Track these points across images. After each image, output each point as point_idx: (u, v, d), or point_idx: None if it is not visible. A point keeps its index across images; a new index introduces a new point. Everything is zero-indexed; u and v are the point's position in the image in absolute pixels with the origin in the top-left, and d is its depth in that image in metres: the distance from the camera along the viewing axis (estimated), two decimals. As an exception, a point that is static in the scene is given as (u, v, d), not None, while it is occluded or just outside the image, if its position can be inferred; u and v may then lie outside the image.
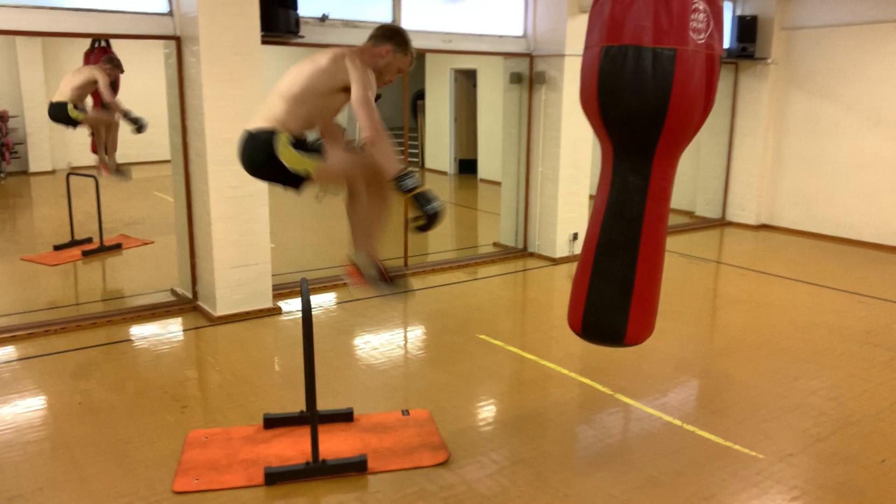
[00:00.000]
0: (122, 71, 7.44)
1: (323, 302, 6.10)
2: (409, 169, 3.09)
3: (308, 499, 3.24)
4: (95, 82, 7.34)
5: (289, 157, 3.17)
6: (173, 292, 6.08)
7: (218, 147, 5.30)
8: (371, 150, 3.11)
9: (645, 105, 2.76)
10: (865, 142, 8.33)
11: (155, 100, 7.43)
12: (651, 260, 3.00)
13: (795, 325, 5.61)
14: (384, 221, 3.56)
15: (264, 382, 4.45)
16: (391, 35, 3.26)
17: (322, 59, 3.24)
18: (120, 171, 7.96)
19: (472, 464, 3.51)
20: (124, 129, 7.73)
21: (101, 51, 7.72)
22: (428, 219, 3.02)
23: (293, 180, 3.29)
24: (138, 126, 7.55)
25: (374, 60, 3.24)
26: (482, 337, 5.26)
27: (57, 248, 7.50)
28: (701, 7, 2.73)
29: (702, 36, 2.74)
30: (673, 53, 2.69)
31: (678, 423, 3.97)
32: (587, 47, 2.93)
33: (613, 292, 3.02)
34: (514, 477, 3.40)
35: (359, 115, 3.10)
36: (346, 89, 3.17)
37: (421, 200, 3.01)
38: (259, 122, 3.23)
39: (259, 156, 3.22)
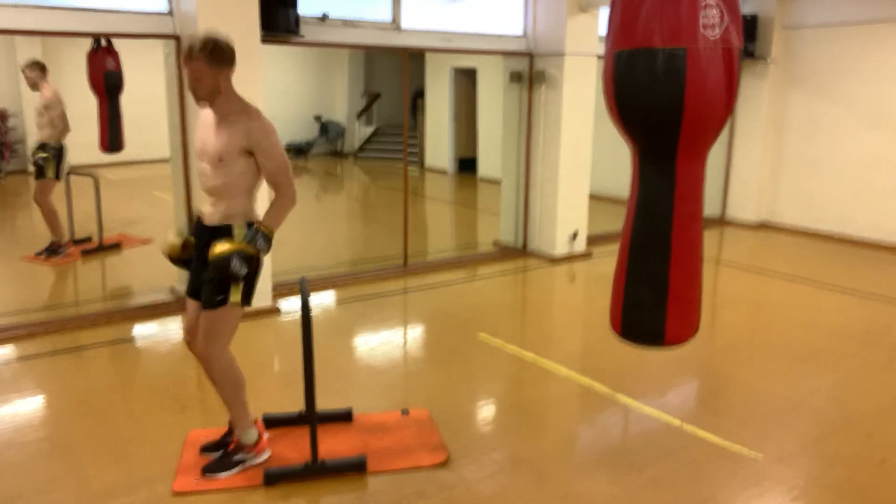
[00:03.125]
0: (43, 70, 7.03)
1: (322, 301, 6.09)
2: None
3: (307, 499, 3.24)
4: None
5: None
6: (173, 291, 6.08)
7: (217, 147, 5.29)
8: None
9: (660, 107, 2.76)
10: (865, 142, 8.33)
11: (155, 99, 7.41)
12: (685, 259, 2.99)
13: (795, 325, 5.61)
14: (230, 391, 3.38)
15: (263, 382, 4.44)
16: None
17: None
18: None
19: (472, 464, 3.51)
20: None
21: (104, 51, 7.72)
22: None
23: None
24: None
25: None
26: (482, 336, 5.26)
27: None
28: (712, 2, 2.71)
29: (716, 31, 2.72)
30: (683, 52, 2.68)
31: (678, 423, 3.97)
32: (605, 53, 2.95)
33: (649, 294, 3.02)
34: (514, 477, 3.40)
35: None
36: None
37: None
38: None
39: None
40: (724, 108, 2.82)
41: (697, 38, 2.69)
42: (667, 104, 2.75)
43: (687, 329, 3.10)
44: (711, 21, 2.72)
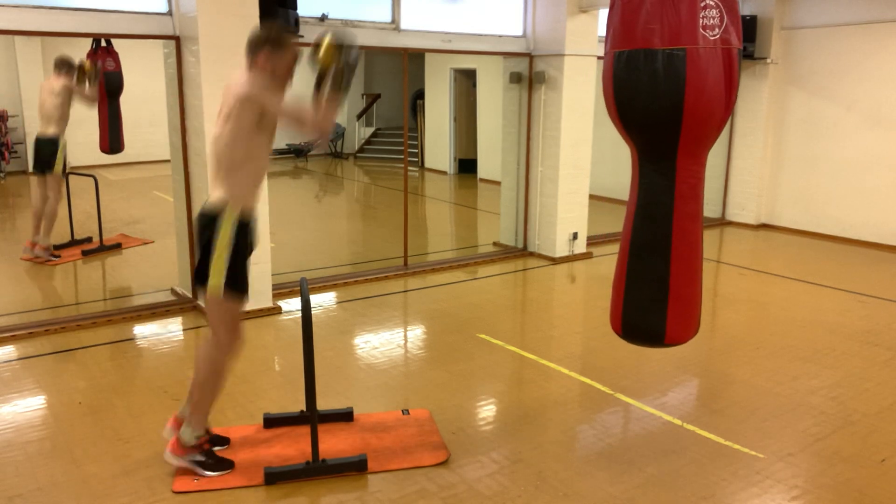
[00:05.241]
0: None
1: (323, 301, 6.10)
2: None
3: (308, 499, 3.24)
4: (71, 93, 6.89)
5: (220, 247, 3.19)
6: (173, 292, 6.08)
7: (218, 147, 5.30)
8: (325, 125, 3.06)
9: (660, 107, 2.76)
10: (865, 142, 8.33)
11: (154, 99, 7.42)
12: (686, 259, 2.99)
13: (795, 325, 5.61)
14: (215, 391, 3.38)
15: (264, 382, 4.45)
16: (261, 43, 3.14)
17: (225, 107, 3.16)
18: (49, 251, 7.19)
19: (472, 463, 3.51)
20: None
21: (103, 51, 7.73)
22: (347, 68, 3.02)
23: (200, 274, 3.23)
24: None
25: (262, 74, 3.16)
26: (482, 336, 5.26)
27: (57, 247, 7.49)
28: (712, 3, 2.72)
29: (716, 32, 2.73)
30: (683, 53, 2.69)
31: (678, 422, 3.97)
32: (605, 53, 2.96)
33: (650, 293, 3.02)
34: (514, 476, 3.40)
35: (296, 118, 3.06)
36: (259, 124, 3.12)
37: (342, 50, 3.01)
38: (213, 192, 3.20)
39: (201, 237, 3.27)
40: (724, 107, 2.83)
41: (697, 39, 2.70)
42: (667, 104, 2.75)
43: (687, 329, 3.10)
44: (711, 22, 2.72)
